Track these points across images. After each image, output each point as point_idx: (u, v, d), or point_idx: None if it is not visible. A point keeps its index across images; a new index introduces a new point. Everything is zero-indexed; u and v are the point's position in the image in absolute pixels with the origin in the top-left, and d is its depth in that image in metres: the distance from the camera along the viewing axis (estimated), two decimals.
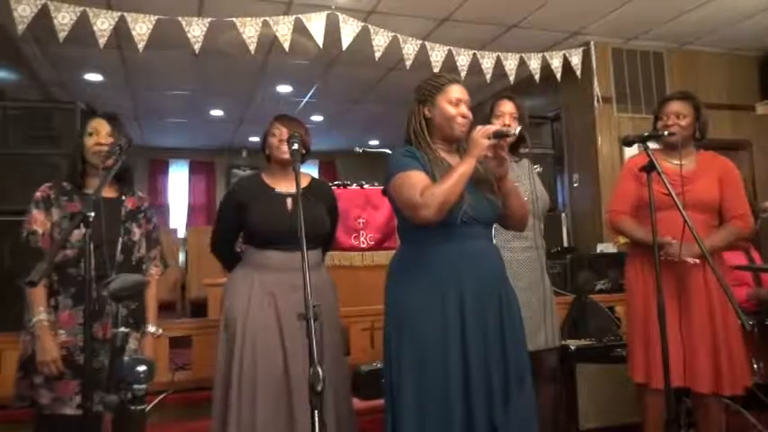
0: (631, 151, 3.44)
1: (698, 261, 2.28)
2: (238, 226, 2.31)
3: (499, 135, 1.82)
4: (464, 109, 1.91)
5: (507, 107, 2.49)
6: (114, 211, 2.13)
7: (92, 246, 1.95)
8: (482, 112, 2.49)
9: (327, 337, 2.10)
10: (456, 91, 1.92)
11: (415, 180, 1.79)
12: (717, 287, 2.33)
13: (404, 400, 1.77)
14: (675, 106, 2.47)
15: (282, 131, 2.27)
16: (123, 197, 2.19)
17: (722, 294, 2.36)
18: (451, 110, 1.90)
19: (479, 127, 1.84)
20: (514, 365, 1.81)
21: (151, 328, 2.18)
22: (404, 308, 1.85)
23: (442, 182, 1.77)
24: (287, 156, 2.20)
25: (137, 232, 2.18)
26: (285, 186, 2.29)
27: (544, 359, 2.51)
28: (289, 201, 2.27)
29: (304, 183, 2.32)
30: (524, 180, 2.53)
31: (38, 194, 2.08)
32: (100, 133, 2.11)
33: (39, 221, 2.04)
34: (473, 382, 1.74)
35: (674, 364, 2.14)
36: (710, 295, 2.34)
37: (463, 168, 1.77)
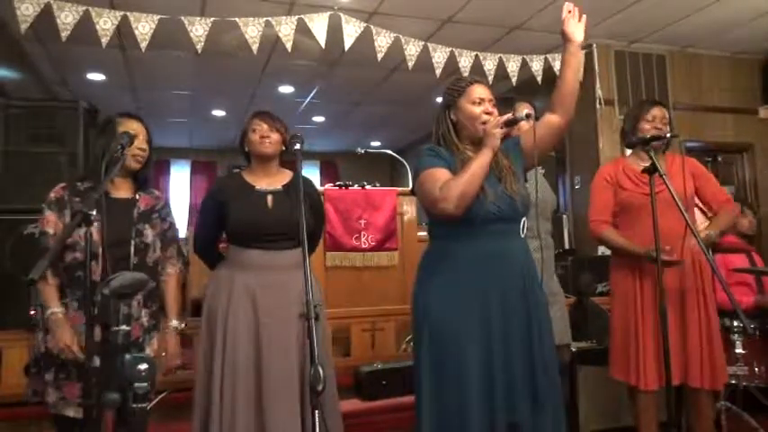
0: None
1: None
2: (219, 226, 2.27)
3: (510, 123, 1.88)
4: (488, 107, 1.93)
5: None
6: (126, 212, 2.10)
7: (96, 246, 1.95)
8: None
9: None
10: (478, 91, 1.94)
11: (436, 176, 1.83)
12: (701, 288, 2.43)
13: (423, 402, 1.79)
14: (659, 111, 2.56)
15: (263, 127, 2.25)
16: (137, 197, 2.16)
17: (710, 294, 2.45)
18: (475, 109, 1.92)
19: (491, 119, 1.88)
20: (541, 365, 1.80)
21: (174, 322, 2.20)
22: (424, 305, 1.86)
23: (459, 175, 1.79)
24: (269, 150, 2.23)
25: (149, 234, 2.13)
26: (266, 183, 2.27)
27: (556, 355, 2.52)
28: (269, 198, 2.24)
29: (285, 179, 2.30)
30: (530, 180, 2.54)
31: (52, 195, 2.06)
32: (139, 137, 2.09)
33: (51, 222, 2.03)
34: (495, 383, 1.74)
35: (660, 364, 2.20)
36: (699, 295, 2.42)
37: (480, 160, 1.80)
